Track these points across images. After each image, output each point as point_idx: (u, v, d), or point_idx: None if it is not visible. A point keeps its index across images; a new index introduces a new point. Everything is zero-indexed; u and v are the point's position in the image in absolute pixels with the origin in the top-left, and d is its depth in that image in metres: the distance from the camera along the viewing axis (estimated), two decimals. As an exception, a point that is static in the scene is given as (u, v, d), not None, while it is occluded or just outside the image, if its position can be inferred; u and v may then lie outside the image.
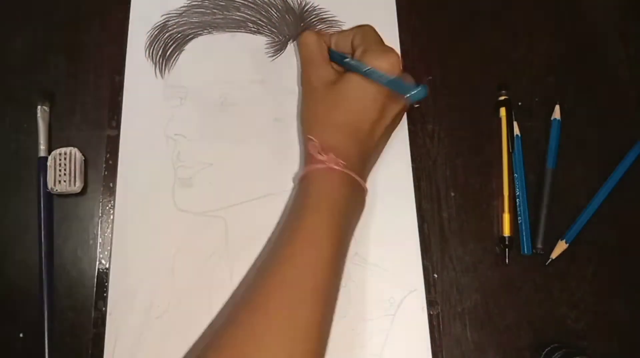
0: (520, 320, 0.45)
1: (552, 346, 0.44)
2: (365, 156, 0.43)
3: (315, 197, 0.41)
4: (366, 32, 0.45)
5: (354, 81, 0.42)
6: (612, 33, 0.53)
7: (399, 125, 0.47)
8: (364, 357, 0.43)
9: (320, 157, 0.41)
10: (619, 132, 0.50)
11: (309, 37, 0.46)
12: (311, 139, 0.42)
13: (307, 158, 0.43)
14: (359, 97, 0.42)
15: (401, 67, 0.42)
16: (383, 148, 0.46)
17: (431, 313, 0.45)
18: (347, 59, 0.44)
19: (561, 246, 0.46)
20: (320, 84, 0.44)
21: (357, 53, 0.43)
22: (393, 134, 0.49)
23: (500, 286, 0.46)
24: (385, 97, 0.42)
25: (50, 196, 0.46)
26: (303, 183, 0.42)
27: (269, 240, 0.45)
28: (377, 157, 0.47)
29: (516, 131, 0.49)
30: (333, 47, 0.47)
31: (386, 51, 0.43)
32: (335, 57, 0.46)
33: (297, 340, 0.36)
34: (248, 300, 0.38)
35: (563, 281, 0.46)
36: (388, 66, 0.41)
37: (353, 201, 0.42)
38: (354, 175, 0.41)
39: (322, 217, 0.39)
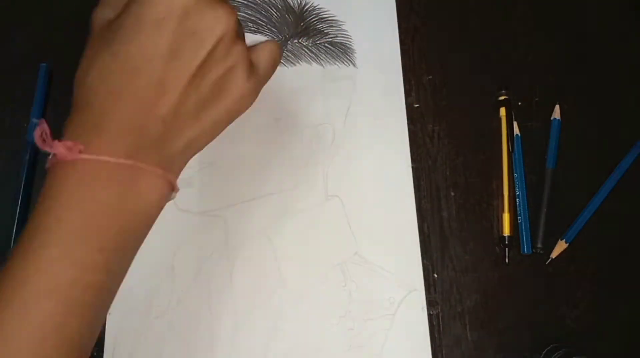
0: (520, 320, 0.45)
1: (552, 346, 0.43)
2: (158, 128, 0.28)
3: (45, 215, 0.26)
4: None
5: (131, 12, 0.28)
6: (612, 33, 0.53)
7: (398, 125, 0.47)
8: (364, 357, 0.43)
9: (46, 148, 0.26)
10: (619, 132, 0.50)
11: None
12: (39, 122, 0.27)
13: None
14: (135, 22, 0.28)
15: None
16: (209, 111, 0.30)
17: (431, 313, 0.45)
18: None
19: (561, 246, 0.46)
20: (97, 25, 0.31)
21: None
22: (392, 135, 0.49)
23: (500, 286, 0.46)
24: (180, 26, 0.27)
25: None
26: (43, 188, 0.27)
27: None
28: (202, 127, 0.31)
29: (516, 131, 0.49)
30: None
31: None
32: None
33: None
34: None
35: (563, 281, 0.46)
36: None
37: (122, 207, 0.27)
38: (115, 160, 0.26)
39: (54, 254, 0.25)
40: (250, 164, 0.48)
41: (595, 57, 0.53)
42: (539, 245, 0.47)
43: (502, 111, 0.49)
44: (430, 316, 0.44)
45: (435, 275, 0.46)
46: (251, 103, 0.33)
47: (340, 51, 0.51)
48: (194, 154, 0.32)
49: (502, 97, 0.50)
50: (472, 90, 0.51)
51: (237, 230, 0.46)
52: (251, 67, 0.32)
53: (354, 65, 0.51)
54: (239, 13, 0.52)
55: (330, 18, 0.52)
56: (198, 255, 0.45)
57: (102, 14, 0.31)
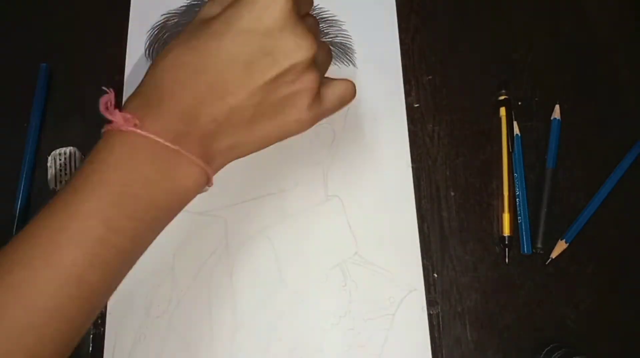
0: (520, 320, 0.45)
1: (552, 346, 0.43)
2: (208, 125, 0.30)
3: (91, 174, 0.29)
4: None
5: (224, 15, 0.31)
6: (612, 33, 0.53)
7: (398, 125, 0.47)
8: (364, 357, 0.43)
9: (107, 115, 0.29)
10: (619, 133, 0.50)
11: None
12: (106, 90, 0.30)
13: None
14: (223, 26, 0.30)
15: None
16: (262, 125, 0.33)
17: (431, 313, 0.45)
18: None
19: (561, 246, 0.46)
20: (199, 18, 0.33)
21: None
22: (392, 135, 0.49)
23: (500, 286, 0.46)
24: (261, 43, 0.30)
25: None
26: (94, 148, 0.30)
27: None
28: (251, 136, 0.33)
29: (516, 131, 0.49)
30: None
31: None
32: None
33: None
34: None
35: (563, 281, 0.46)
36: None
37: (159, 184, 0.29)
38: (163, 141, 0.29)
39: (89, 209, 0.28)
40: (250, 164, 0.48)
41: (595, 57, 0.53)
42: (539, 245, 0.47)
43: (502, 111, 0.49)
44: (430, 316, 0.44)
45: (435, 275, 0.46)
46: (305, 129, 0.35)
47: (340, 50, 0.51)
48: (237, 157, 0.34)
49: (502, 97, 0.50)
50: (472, 90, 0.51)
51: (237, 230, 0.46)
52: (318, 97, 0.34)
53: (354, 65, 0.51)
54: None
55: (330, 18, 0.52)
56: (198, 255, 0.45)
57: (209, 10, 0.33)
